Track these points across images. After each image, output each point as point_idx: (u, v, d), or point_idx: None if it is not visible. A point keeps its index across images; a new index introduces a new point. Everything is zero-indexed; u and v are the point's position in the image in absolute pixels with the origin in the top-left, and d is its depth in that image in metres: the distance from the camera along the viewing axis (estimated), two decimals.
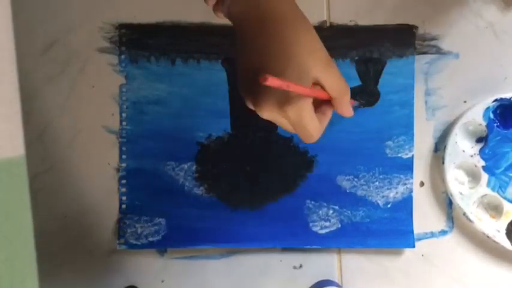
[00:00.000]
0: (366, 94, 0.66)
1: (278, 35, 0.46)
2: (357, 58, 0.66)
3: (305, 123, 0.46)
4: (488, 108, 0.66)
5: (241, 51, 0.48)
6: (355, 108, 0.65)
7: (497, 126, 0.66)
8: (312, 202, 0.67)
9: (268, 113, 0.46)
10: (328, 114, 0.50)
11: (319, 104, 0.50)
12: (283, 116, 0.46)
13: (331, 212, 0.67)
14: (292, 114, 0.45)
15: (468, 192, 0.66)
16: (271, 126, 0.66)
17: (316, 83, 0.47)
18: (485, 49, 0.67)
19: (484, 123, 0.66)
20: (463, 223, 0.67)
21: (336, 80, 0.48)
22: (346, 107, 0.50)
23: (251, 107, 0.49)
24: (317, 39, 0.48)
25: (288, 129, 0.49)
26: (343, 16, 0.66)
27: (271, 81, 0.39)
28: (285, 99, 0.45)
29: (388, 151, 0.67)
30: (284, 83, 0.41)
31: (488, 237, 0.66)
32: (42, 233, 0.64)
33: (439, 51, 0.67)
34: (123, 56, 0.66)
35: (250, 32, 0.47)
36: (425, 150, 0.67)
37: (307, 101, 0.46)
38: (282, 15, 0.46)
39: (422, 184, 0.68)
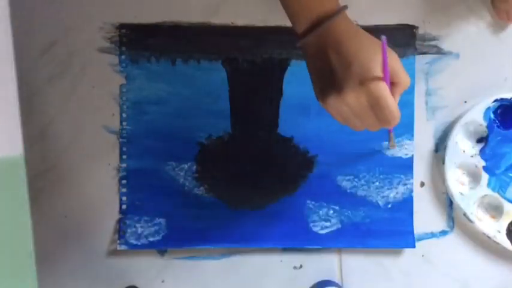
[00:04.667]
0: None
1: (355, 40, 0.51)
2: None
3: (386, 94, 0.48)
4: (488, 108, 0.66)
5: (316, 70, 0.53)
6: None
7: (497, 126, 0.66)
8: (312, 202, 0.67)
9: (352, 92, 0.48)
10: (397, 98, 0.52)
11: None
12: (364, 90, 0.48)
13: (331, 212, 0.67)
14: (373, 86, 0.48)
15: (468, 193, 0.66)
16: (271, 126, 0.67)
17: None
18: (486, 49, 0.67)
19: (484, 124, 0.66)
20: (464, 223, 0.67)
21: (402, 69, 0.52)
22: (398, 96, 0.53)
23: (333, 104, 0.51)
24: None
25: (368, 121, 0.51)
26: None
27: (384, 42, 0.47)
28: (362, 76, 0.48)
29: (388, 151, 0.67)
30: (385, 49, 0.48)
31: (488, 237, 0.66)
32: (42, 233, 0.64)
33: (439, 52, 0.67)
34: (123, 56, 0.66)
35: (325, 54, 0.51)
36: (426, 150, 0.67)
37: (380, 74, 0.48)
38: (345, 37, 0.51)
39: (422, 184, 0.68)
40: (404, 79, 0.51)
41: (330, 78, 0.50)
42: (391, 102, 0.49)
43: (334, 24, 0.51)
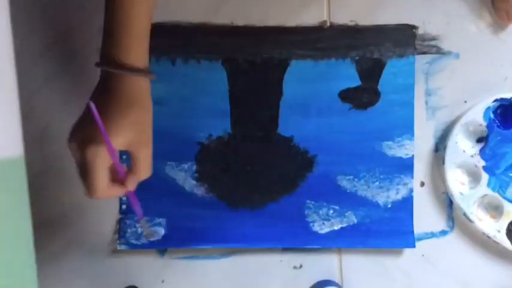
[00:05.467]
0: (366, 94, 0.66)
1: (122, 104, 0.50)
2: (357, 58, 0.66)
3: (94, 170, 0.48)
4: (488, 108, 0.66)
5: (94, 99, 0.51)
6: (350, 110, 0.66)
7: (497, 126, 0.66)
8: (312, 202, 0.67)
9: (71, 145, 0.49)
10: (123, 189, 0.51)
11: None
12: (80, 152, 0.48)
13: (331, 212, 0.67)
14: (88, 154, 0.47)
15: (468, 193, 0.66)
16: (271, 126, 0.67)
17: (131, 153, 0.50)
18: (486, 49, 0.67)
19: (484, 123, 0.66)
20: (464, 223, 0.67)
21: (146, 161, 0.51)
22: (133, 184, 0.52)
23: (69, 136, 0.51)
24: (147, 121, 0.52)
25: (79, 172, 0.50)
26: (343, 16, 0.66)
27: (93, 107, 0.46)
28: (89, 138, 0.48)
29: (388, 151, 0.67)
30: (99, 119, 0.46)
31: (488, 237, 0.66)
32: (42, 233, 0.64)
33: (439, 51, 0.67)
34: None
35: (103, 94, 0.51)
36: (426, 150, 0.67)
37: (105, 153, 0.48)
38: (131, 92, 0.51)
39: (422, 184, 0.68)
40: (142, 171, 0.51)
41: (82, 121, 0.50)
42: (96, 181, 0.48)
43: (127, 81, 0.50)
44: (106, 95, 0.50)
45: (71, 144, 0.49)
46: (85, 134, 0.48)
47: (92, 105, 0.46)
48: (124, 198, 0.66)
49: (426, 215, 0.67)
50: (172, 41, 0.66)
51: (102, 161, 0.48)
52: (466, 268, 0.68)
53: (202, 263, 0.67)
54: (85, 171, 0.48)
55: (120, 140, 0.48)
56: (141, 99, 0.52)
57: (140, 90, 0.51)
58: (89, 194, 0.49)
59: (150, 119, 0.52)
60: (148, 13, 0.53)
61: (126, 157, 0.53)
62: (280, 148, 0.67)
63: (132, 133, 0.49)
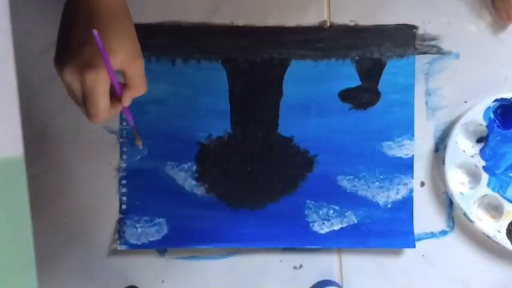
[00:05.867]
0: (366, 94, 0.66)
1: (105, 22, 0.48)
2: (357, 58, 0.66)
3: (97, 94, 0.46)
4: (488, 108, 0.66)
5: (65, 21, 0.50)
6: (350, 110, 0.66)
7: (497, 126, 0.66)
8: (312, 202, 0.67)
9: (68, 73, 0.47)
10: (119, 107, 0.51)
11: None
12: (79, 79, 0.46)
13: (331, 212, 0.67)
14: (89, 80, 0.46)
15: (468, 193, 0.66)
16: (271, 126, 0.67)
17: (122, 71, 0.49)
18: (486, 49, 0.67)
19: (484, 124, 0.66)
20: (464, 223, 0.67)
21: (141, 75, 0.50)
22: (129, 100, 0.51)
23: (57, 70, 0.49)
24: (133, 34, 0.50)
25: (77, 101, 0.48)
26: (343, 16, 0.66)
27: (97, 36, 0.43)
28: (88, 64, 0.46)
29: (388, 151, 0.67)
30: (102, 47, 0.44)
31: (488, 237, 0.66)
32: (42, 233, 0.64)
33: (439, 51, 0.67)
34: None
35: (87, 13, 0.48)
36: (426, 150, 0.67)
37: (106, 76, 0.46)
38: (109, 8, 0.49)
39: (422, 184, 0.68)
40: (137, 85, 0.50)
41: (66, 44, 0.48)
42: (99, 103, 0.47)
43: None
44: (86, 15, 0.48)
45: (68, 70, 0.46)
46: (83, 59, 0.46)
47: (96, 33, 0.43)
48: (124, 198, 0.66)
49: (426, 215, 0.67)
50: (172, 41, 0.66)
51: (103, 85, 0.46)
52: (466, 268, 0.68)
53: (202, 263, 0.67)
54: (85, 97, 0.47)
55: (116, 59, 0.47)
56: (121, 12, 0.50)
57: (118, 1, 0.50)
58: (91, 119, 0.48)
59: (134, 31, 0.50)
60: None
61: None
62: (280, 148, 0.67)
63: (124, 49, 0.48)
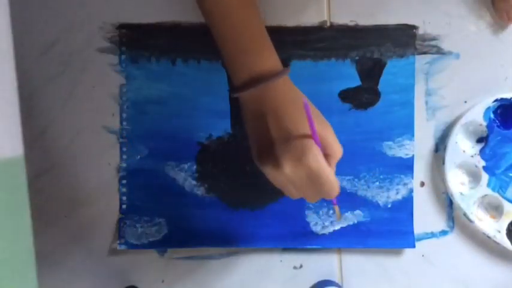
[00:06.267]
0: (366, 94, 0.66)
1: (289, 115, 0.50)
2: (357, 58, 0.66)
3: (324, 170, 0.48)
4: (488, 108, 0.66)
5: (255, 130, 0.52)
6: (350, 110, 0.66)
7: (497, 126, 0.66)
8: None
9: (288, 167, 0.48)
10: (332, 169, 0.52)
11: None
12: (304, 167, 0.48)
13: (331, 212, 0.67)
14: (313, 161, 0.47)
15: (468, 193, 0.66)
16: None
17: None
18: (486, 49, 0.67)
19: (484, 124, 0.66)
20: (464, 223, 0.67)
21: (335, 140, 0.52)
22: (334, 168, 0.52)
23: (270, 173, 0.50)
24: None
25: (299, 190, 0.50)
26: (343, 16, 0.66)
27: (307, 106, 0.46)
28: (300, 151, 0.48)
29: (388, 151, 0.67)
30: (311, 117, 0.47)
31: (488, 237, 0.66)
32: (42, 233, 0.64)
33: (439, 51, 0.67)
34: (123, 56, 0.66)
35: (264, 116, 0.51)
36: (426, 150, 0.67)
37: (318, 149, 0.48)
38: (286, 104, 0.51)
39: (422, 184, 0.68)
40: (336, 151, 0.51)
41: (268, 145, 0.50)
42: (331, 177, 0.49)
43: (273, 87, 0.50)
44: (271, 107, 0.50)
45: (288, 165, 0.48)
46: (297, 150, 0.48)
47: (306, 102, 0.46)
48: (124, 198, 0.66)
49: (426, 215, 0.67)
50: (172, 41, 0.66)
51: (323, 158, 0.48)
52: (466, 268, 0.68)
53: (202, 263, 0.67)
54: (314, 179, 0.48)
55: (317, 128, 0.49)
56: (295, 88, 0.52)
57: (290, 82, 0.52)
58: (332, 194, 0.50)
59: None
60: (256, 11, 0.52)
61: None
62: None
63: (318, 119, 0.50)
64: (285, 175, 0.49)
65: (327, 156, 0.50)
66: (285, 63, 0.66)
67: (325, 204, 0.67)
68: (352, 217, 0.67)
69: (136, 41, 0.66)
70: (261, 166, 0.51)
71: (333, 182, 0.49)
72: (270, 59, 0.51)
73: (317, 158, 0.48)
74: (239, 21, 0.52)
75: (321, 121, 0.51)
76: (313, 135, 0.48)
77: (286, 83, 0.51)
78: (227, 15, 0.52)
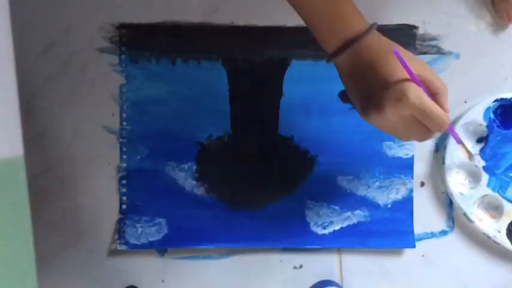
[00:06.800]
0: None
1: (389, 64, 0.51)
2: None
3: (428, 103, 0.48)
4: (488, 108, 0.66)
5: (355, 89, 0.53)
6: (350, 110, 0.66)
7: (497, 126, 0.66)
8: (313, 202, 0.67)
9: (393, 110, 0.49)
10: (446, 106, 0.52)
11: None
12: (406, 106, 0.48)
13: (331, 212, 0.67)
14: (413, 98, 0.48)
15: (468, 193, 0.66)
16: (271, 126, 0.67)
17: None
18: (486, 49, 0.67)
19: (484, 124, 0.66)
20: (464, 223, 0.67)
21: (435, 77, 0.52)
22: (447, 103, 0.53)
23: (376, 120, 0.51)
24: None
25: (416, 132, 0.51)
26: None
27: (397, 53, 0.48)
28: (399, 91, 0.48)
29: (388, 151, 0.67)
30: (404, 61, 0.48)
31: (488, 237, 0.66)
32: (42, 233, 0.64)
33: (439, 51, 0.67)
34: (123, 56, 0.66)
35: (360, 75, 0.52)
36: (426, 150, 0.67)
37: (417, 87, 0.48)
38: (379, 57, 0.51)
39: (422, 184, 0.68)
40: (440, 86, 0.51)
41: (369, 97, 0.51)
42: (437, 109, 0.49)
43: (365, 43, 0.51)
44: (366, 63, 0.51)
45: (389, 110, 0.49)
46: (396, 92, 0.48)
47: (395, 50, 0.48)
48: (124, 198, 0.66)
49: (426, 215, 0.67)
50: (172, 41, 0.66)
51: (424, 94, 0.48)
52: (466, 268, 0.68)
53: (202, 263, 0.67)
54: (422, 116, 0.49)
55: (413, 67, 0.49)
56: (385, 38, 0.53)
57: (378, 34, 0.52)
58: (441, 128, 0.50)
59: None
60: None
61: None
62: (280, 148, 0.67)
63: (410, 58, 0.50)
64: (389, 120, 0.50)
65: (434, 95, 0.51)
66: (285, 63, 0.66)
67: (325, 204, 0.67)
68: (352, 217, 0.67)
69: (136, 41, 0.66)
70: (368, 118, 0.52)
71: (440, 114, 0.49)
72: (355, 19, 0.52)
73: (417, 94, 0.48)
74: None
75: (416, 62, 0.51)
76: (411, 77, 0.48)
77: (375, 36, 0.52)
78: None
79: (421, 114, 0.48)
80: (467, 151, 0.60)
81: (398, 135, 0.53)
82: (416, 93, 0.48)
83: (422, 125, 0.50)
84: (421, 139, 0.52)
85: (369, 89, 0.51)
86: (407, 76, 0.49)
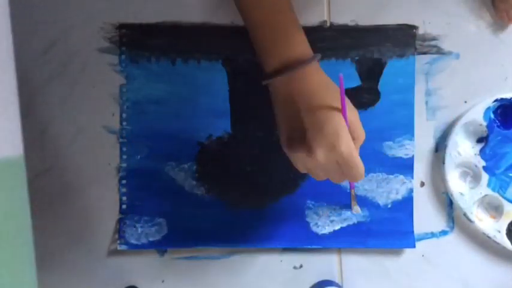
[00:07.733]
0: (366, 94, 0.66)
1: (319, 103, 0.52)
2: (357, 58, 0.66)
3: (355, 154, 0.50)
4: (488, 108, 0.66)
5: (285, 117, 0.53)
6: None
7: (497, 126, 0.66)
8: (312, 202, 0.67)
9: (322, 154, 0.49)
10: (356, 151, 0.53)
11: None
12: (336, 154, 0.49)
13: (331, 212, 0.67)
14: (345, 148, 0.49)
15: (468, 193, 0.66)
16: (271, 126, 0.67)
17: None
18: (486, 49, 0.67)
19: (484, 124, 0.66)
20: (464, 223, 0.67)
21: (360, 124, 0.53)
22: (357, 150, 0.54)
23: (301, 159, 0.52)
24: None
25: (330, 174, 0.52)
26: (343, 16, 0.66)
27: (341, 80, 0.48)
28: (334, 138, 0.49)
29: (388, 151, 0.67)
30: (344, 99, 0.49)
31: (488, 237, 0.66)
32: (42, 233, 0.64)
33: (439, 51, 0.67)
34: (123, 56, 0.66)
35: (295, 103, 0.52)
36: (426, 150, 0.67)
37: (349, 135, 0.50)
38: (317, 90, 0.52)
39: (422, 184, 0.68)
40: (360, 135, 0.53)
41: (300, 131, 0.51)
42: (359, 162, 0.50)
43: (307, 71, 0.51)
44: (302, 94, 0.51)
45: (321, 152, 0.49)
46: (330, 137, 0.49)
47: (341, 76, 0.48)
48: (124, 198, 0.66)
49: (426, 215, 0.67)
50: (172, 41, 0.66)
51: (353, 146, 0.50)
52: (466, 268, 0.68)
53: (202, 263, 0.67)
54: (344, 165, 0.50)
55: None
56: (325, 74, 0.53)
57: (319, 68, 0.53)
58: (358, 179, 0.51)
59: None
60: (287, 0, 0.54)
61: None
62: (280, 148, 0.67)
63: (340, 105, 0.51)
64: (317, 161, 0.50)
65: (352, 139, 0.51)
66: None
67: (325, 204, 0.67)
68: (352, 217, 0.67)
69: (136, 41, 0.66)
70: (290, 153, 0.52)
71: (361, 167, 0.50)
72: (300, 46, 0.52)
73: (349, 144, 0.49)
74: (270, 9, 0.53)
75: (348, 103, 0.52)
76: (342, 110, 0.49)
77: (317, 69, 0.52)
78: (258, 4, 0.53)
79: (345, 164, 0.50)
80: (356, 203, 0.64)
81: (316, 176, 0.53)
82: (348, 144, 0.49)
83: (341, 171, 0.51)
84: (337, 181, 0.53)
85: (300, 123, 0.51)
86: (339, 115, 0.49)
